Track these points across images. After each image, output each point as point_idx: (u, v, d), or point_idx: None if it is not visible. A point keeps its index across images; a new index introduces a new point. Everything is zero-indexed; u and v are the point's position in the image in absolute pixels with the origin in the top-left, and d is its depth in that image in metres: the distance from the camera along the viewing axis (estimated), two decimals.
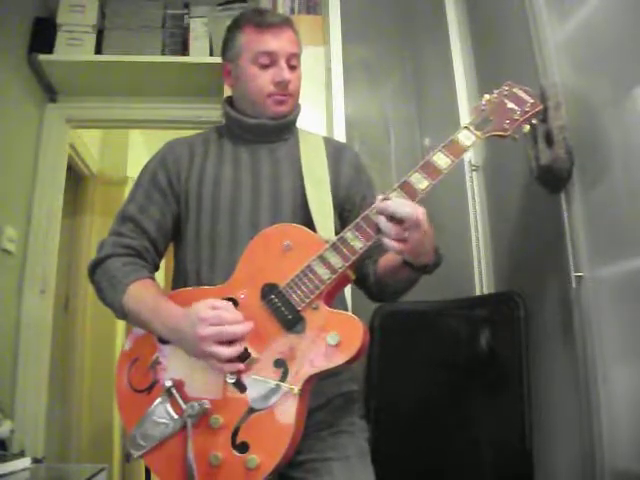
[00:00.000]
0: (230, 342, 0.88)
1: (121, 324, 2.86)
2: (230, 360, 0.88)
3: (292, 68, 1.10)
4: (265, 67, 1.09)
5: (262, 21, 1.10)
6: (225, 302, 0.91)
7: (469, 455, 1.27)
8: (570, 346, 1.16)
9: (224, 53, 1.17)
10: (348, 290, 1.39)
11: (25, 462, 1.50)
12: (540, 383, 1.26)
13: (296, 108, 1.17)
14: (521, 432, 1.18)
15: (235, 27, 1.13)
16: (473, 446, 1.27)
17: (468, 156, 1.70)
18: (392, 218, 0.85)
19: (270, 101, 1.09)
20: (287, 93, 1.10)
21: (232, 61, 1.14)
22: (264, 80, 1.09)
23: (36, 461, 1.57)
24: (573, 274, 1.13)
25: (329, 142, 1.19)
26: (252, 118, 1.12)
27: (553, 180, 1.17)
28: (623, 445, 1.02)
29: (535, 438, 1.18)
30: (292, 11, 2.00)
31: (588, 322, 1.10)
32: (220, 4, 2.35)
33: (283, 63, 1.08)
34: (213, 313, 0.88)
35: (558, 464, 1.25)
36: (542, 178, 1.19)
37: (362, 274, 1.08)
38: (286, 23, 1.12)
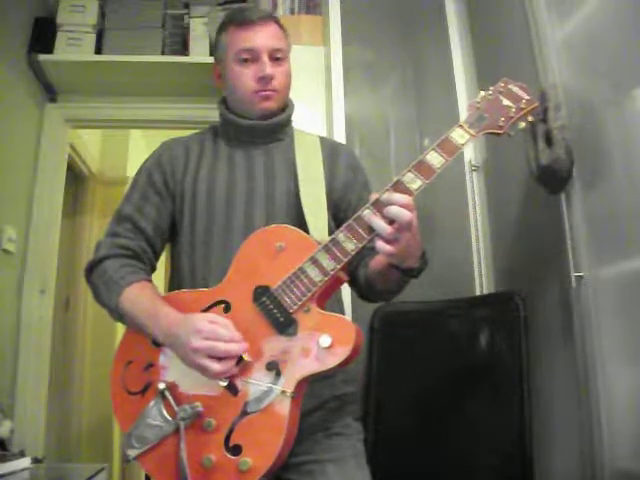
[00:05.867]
0: (222, 358, 0.87)
1: (121, 324, 2.86)
2: (220, 374, 0.87)
3: (277, 62, 1.09)
4: (247, 64, 1.08)
5: (242, 19, 1.10)
6: (224, 319, 0.91)
7: (469, 454, 1.27)
8: (570, 346, 1.16)
9: (214, 56, 1.17)
10: (348, 291, 1.39)
11: (25, 462, 1.50)
12: (540, 383, 1.26)
13: (288, 106, 1.16)
14: (521, 432, 1.18)
15: (220, 29, 1.14)
16: (473, 445, 1.27)
17: (468, 156, 1.70)
18: (386, 217, 0.85)
19: (256, 98, 1.09)
20: (272, 89, 1.08)
21: (220, 62, 1.14)
22: (247, 77, 1.08)
23: (36, 461, 1.57)
24: (573, 274, 1.13)
25: (325, 142, 1.18)
26: (245, 119, 1.11)
27: (553, 180, 1.17)
28: (623, 445, 1.02)
29: (535, 438, 1.18)
30: (292, 11, 2.00)
31: (588, 322, 1.10)
32: (220, 4, 2.35)
33: (265, 58, 1.07)
34: (210, 327, 0.87)
35: (558, 464, 1.25)
36: (542, 178, 1.19)
37: (353, 276, 1.08)
38: (267, 19, 1.11)
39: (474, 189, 1.68)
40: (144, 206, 1.08)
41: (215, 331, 0.87)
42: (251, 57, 1.08)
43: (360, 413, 1.17)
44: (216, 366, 0.86)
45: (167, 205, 1.09)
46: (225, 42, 1.11)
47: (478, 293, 1.60)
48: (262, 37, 1.08)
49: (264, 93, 1.08)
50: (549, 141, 1.14)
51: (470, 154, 1.70)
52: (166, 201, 1.09)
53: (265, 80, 1.07)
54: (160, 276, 1.42)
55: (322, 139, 1.19)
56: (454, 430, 1.31)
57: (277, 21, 1.14)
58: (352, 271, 1.07)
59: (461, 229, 1.67)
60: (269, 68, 1.07)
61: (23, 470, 1.48)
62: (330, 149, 1.16)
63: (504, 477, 1.20)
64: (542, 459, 1.22)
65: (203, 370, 0.87)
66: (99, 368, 2.80)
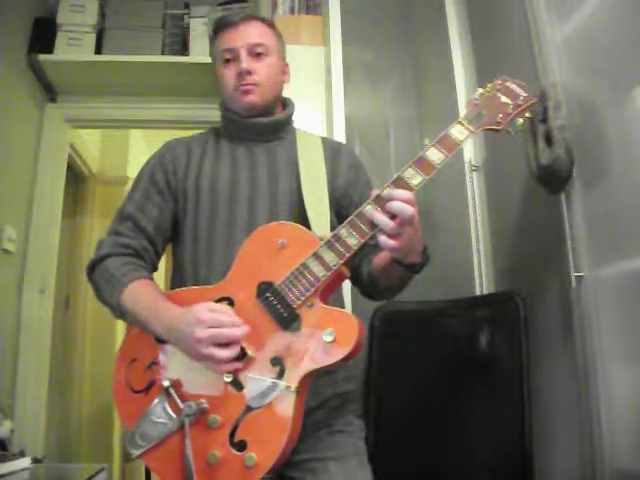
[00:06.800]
0: (227, 344, 0.88)
1: (121, 324, 2.86)
2: (226, 361, 0.88)
3: (258, 57, 1.11)
4: (230, 65, 1.12)
5: (224, 23, 1.14)
6: (223, 305, 0.92)
7: (468, 454, 1.27)
8: (570, 346, 1.16)
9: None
10: (348, 289, 1.39)
11: (25, 462, 1.50)
12: (540, 383, 1.26)
13: (288, 105, 1.19)
14: (521, 432, 1.18)
15: (211, 37, 1.19)
16: (473, 445, 1.27)
17: (468, 156, 1.70)
18: (388, 212, 0.85)
19: (237, 94, 1.11)
20: (251, 82, 1.10)
21: (214, 68, 1.17)
22: (229, 75, 1.11)
23: (36, 461, 1.57)
24: (573, 274, 1.13)
25: (327, 142, 1.20)
26: (244, 118, 1.13)
27: (553, 180, 1.17)
28: (623, 445, 1.02)
29: (535, 438, 1.18)
30: (292, 11, 2.00)
31: (588, 322, 1.10)
32: (220, 4, 2.35)
33: (244, 54, 1.10)
34: (210, 315, 0.88)
35: (558, 464, 1.25)
36: (542, 178, 1.19)
37: (356, 273, 1.08)
38: (247, 18, 1.14)
39: (474, 189, 1.68)
40: (146, 205, 1.08)
41: (216, 319, 0.88)
42: (232, 57, 1.11)
43: (361, 411, 1.17)
44: (222, 353, 0.86)
45: (169, 204, 1.10)
46: (213, 48, 1.16)
47: (478, 293, 1.60)
48: (241, 36, 1.12)
49: (243, 87, 1.10)
50: (549, 141, 1.14)
51: (470, 154, 1.70)
52: (168, 200, 1.10)
53: (242, 75, 1.10)
54: (160, 277, 1.42)
55: (324, 139, 1.20)
56: (454, 429, 1.31)
57: (261, 19, 1.17)
58: (355, 268, 1.08)
59: (461, 229, 1.67)
60: (245, 63, 1.09)
61: (23, 470, 1.48)
62: (332, 149, 1.17)
63: (504, 477, 1.20)
64: (542, 459, 1.22)
65: (209, 359, 0.88)
66: (99, 368, 2.80)
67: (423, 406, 1.38)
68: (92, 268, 1.05)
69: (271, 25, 1.18)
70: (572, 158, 1.13)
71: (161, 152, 1.15)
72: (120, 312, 0.99)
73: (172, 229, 1.11)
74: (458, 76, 1.78)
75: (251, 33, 1.12)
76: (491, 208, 1.64)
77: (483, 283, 1.60)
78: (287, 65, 1.21)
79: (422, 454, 1.33)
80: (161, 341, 0.97)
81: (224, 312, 0.90)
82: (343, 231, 0.89)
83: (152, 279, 1.04)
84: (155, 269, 1.11)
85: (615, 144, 1.05)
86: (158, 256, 1.12)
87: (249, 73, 1.09)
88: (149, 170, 1.12)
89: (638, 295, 0.99)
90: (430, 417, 1.36)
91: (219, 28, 1.15)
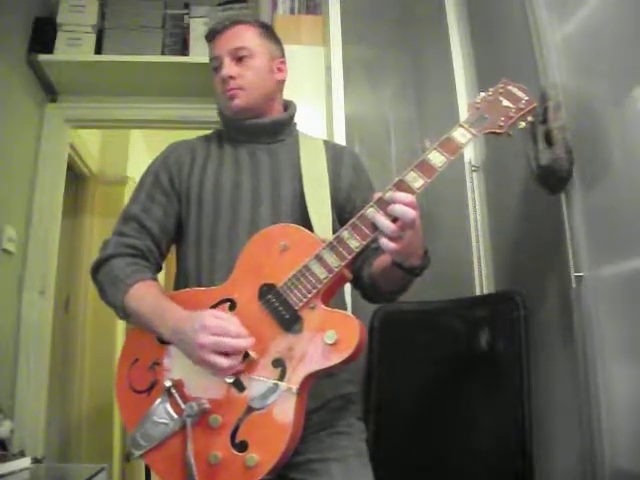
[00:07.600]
0: (228, 353, 0.88)
1: (121, 324, 2.86)
2: (227, 370, 0.88)
3: (241, 62, 1.12)
4: (217, 72, 1.14)
5: (209, 33, 1.17)
6: (230, 315, 0.92)
7: (469, 454, 1.27)
8: (570, 346, 1.16)
9: None
10: (348, 290, 1.39)
11: (25, 462, 1.50)
12: (540, 383, 1.26)
13: (289, 107, 1.20)
14: (521, 432, 1.18)
15: None
16: (473, 445, 1.27)
17: (468, 156, 1.70)
18: (390, 215, 0.86)
19: (224, 99, 1.13)
20: (235, 87, 1.11)
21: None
22: (217, 82, 1.14)
23: (36, 461, 1.57)
24: (573, 274, 1.13)
25: (329, 145, 1.20)
26: (240, 120, 1.14)
27: (553, 180, 1.17)
28: (623, 445, 1.02)
29: (535, 437, 1.18)
30: (292, 11, 2.00)
31: (588, 322, 1.10)
32: (220, 4, 2.36)
33: (227, 61, 1.12)
34: (216, 322, 0.88)
35: (558, 463, 1.25)
36: (542, 178, 1.19)
37: (358, 276, 1.09)
38: (231, 24, 1.15)
39: (474, 189, 1.68)
40: (150, 206, 1.09)
41: (221, 326, 0.88)
42: (218, 64, 1.13)
43: (362, 412, 1.17)
44: (224, 361, 0.86)
45: (173, 205, 1.11)
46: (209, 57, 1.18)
47: (478, 293, 1.60)
48: (223, 42, 1.14)
49: (228, 93, 1.12)
50: (549, 141, 1.14)
51: (470, 154, 1.70)
52: (172, 201, 1.11)
53: (225, 81, 1.11)
54: (160, 277, 1.42)
55: (326, 142, 1.20)
56: (454, 429, 1.31)
57: (246, 21, 1.17)
58: (356, 271, 1.08)
59: (461, 229, 1.67)
60: (226, 69, 1.11)
61: (23, 470, 1.48)
62: (334, 151, 1.18)
63: (504, 477, 1.20)
64: (542, 458, 1.22)
65: (210, 366, 0.88)
66: (99, 368, 2.80)
67: (423, 406, 1.38)
68: (96, 268, 1.05)
69: (259, 25, 1.18)
70: (572, 158, 1.13)
71: (165, 154, 1.16)
72: (124, 313, 1.00)
73: (176, 230, 1.12)
74: (458, 76, 1.78)
75: (232, 38, 1.13)
76: (491, 208, 1.64)
77: (483, 283, 1.60)
78: (283, 63, 1.20)
79: (422, 454, 1.33)
80: (163, 342, 0.97)
81: (230, 321, 0.90)
82: (345, 233, 0.90)
83: (156, 280, 1.05)
84: (159, 270, 1.11)
85: (615, 144, 1.06)
86: (162, 257, 1.12)
87: (232, 78, 1.11)
88: (153, 171, 1.13)
89: (638, 295, 0.99)
90: (430, 417, 1.36)
91: (208, 39, 1.17)
